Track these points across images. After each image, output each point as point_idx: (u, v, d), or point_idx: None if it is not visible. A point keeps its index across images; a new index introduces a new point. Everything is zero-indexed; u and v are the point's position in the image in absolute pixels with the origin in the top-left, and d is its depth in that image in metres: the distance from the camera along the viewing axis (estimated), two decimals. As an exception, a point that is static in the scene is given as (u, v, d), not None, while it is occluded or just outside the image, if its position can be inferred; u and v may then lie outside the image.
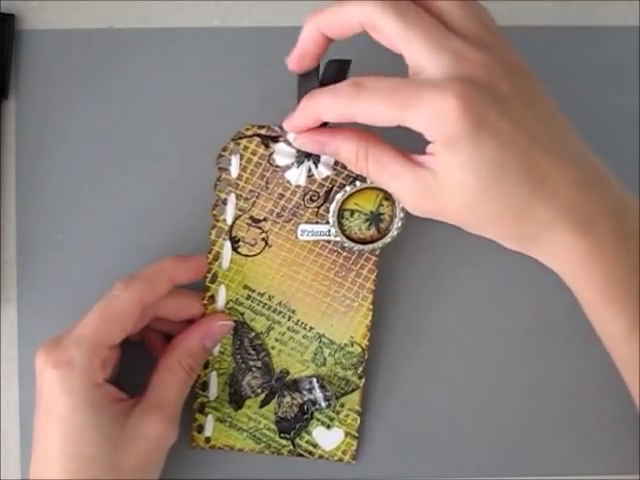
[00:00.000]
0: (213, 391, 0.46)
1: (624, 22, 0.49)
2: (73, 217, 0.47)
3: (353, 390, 0.46)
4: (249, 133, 0.43)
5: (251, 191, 0.44)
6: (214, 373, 0.45)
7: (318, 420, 0.46)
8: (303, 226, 0.44)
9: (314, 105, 0.40)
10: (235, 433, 0.46)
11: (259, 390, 0.45)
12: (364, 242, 0.44)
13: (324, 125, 0.41)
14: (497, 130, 0.37)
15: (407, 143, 0.39)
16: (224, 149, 0.44)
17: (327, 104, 0.39)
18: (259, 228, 0.44)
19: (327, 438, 0.46)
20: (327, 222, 0.44)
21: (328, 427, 0.46)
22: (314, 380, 0.45)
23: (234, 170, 0.44)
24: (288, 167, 0.43)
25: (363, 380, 0.46)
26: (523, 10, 0.48)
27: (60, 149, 0.47)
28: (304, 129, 0.41)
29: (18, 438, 0.47)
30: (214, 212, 0.44)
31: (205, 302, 0.45)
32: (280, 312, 0.45)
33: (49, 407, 0.40)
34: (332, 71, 0.40)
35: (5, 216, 0.47)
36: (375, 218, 0.44)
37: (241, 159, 0.44)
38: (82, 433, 0.40)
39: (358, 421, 0.46)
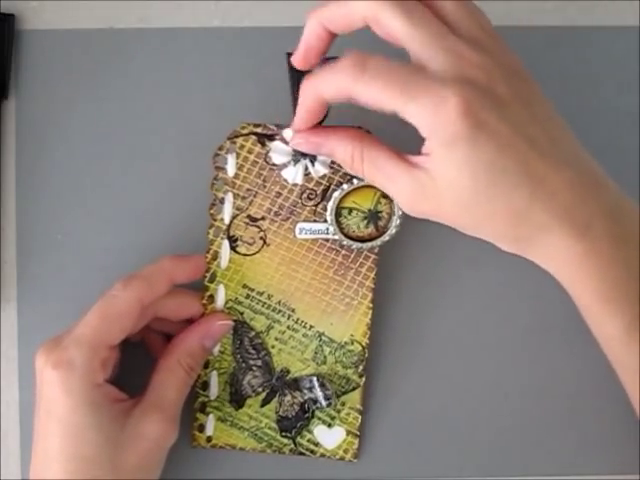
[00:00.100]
0: (214, 390, 0.46)
1: (624, 22, 0.49)
2: (73, 217, 0.47)
3: (354, 388, 0.46)
4: (245, 132, 0.43)
5: (248, 190, 0.44)
6: (214, 373, 0.45)
7: (319, 419, 0.46)
8: (301, 224, 0.44)
9: (314, 83, 0.39)
10: (236, 432, 0.46)
11: (260, 389, 0.45)
12: (363, 240, 0.44)
13: (319, 125, 0.41)
14: (496, 133, 0.37)
15: (403, 143, 0.39)
16: (220, 148, 0.44)
17: (327, 79, 0.39)
18: (257, 227, 0.44)
19: (328, 437, 0.46)
20: (325, 220, 0.44)
21: (329, 426, 0.46)
22: (314, 379, 0.45)
23: (231, 169, 0.44)
24: (285, 165, 0.43)
25: (364, 378, 0.46)
26: (523, 10, 0.48)
27: (60, 149, 0.47)
28: (309, 117, 0.40)
29: (18, 438, 0.47)
30: (211, 211, 0.44)
31: (204, 302, 0.45)
32: (280, 311, 0.45)
33: (49, 407, 0.40)
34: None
35: (5, 216, 0.47)
36: (373, 216, 0.44)
37: (237, 158, 0.44)
38: (82, 433, 0.40)
39: (359, 420, 0.46)
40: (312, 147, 0.41)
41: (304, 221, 0.44)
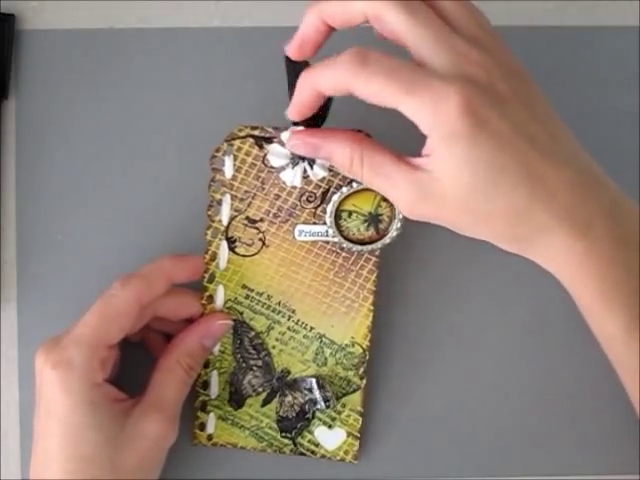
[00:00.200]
0: (214, 390, 0.46)
1: (624, 22, 0.49)
2: (73, 217, 0.47)
3: (354, 390, 0.46)
4: (242, 134, 0.43)
5: (246, 192, 0.44)
6: (215, 372, 0.45)
7: (320, 420, 0.46)
8: (300, 227, 0.44)
9: (312, 76, 0.39)
10: (237, 431, 0.46)
11: (260, 389, 0.45)
12: (363, 243, 0.44)
13: (319, 117, 0.41)
14: (496, 131, 0.37)
15: (403, 145, 0.39)
16: (217, 150, 0.44)
17: (326, 74, 0.38)
18: (256, 228, 0.44)
19: (329, 438, 0.46)
20: (324, 223, 0.44)
21: (330, 427, 0.46)
22: (313, 380, 0.45)
23: (228, 171, 0.44)
24: (283, 168, 0.43)
25: (364, 381, 0.45)
26: (523, 10, 0.48)
27: (60, 149, 0.47)
28: (304, 109, 0.40)
29: (18, 438, 0.47)
30: (209, 213, 0.44)
31: (204, 302, 0.45)
32: (280, 312, 0.45)
33: (49, 407, 0.40)
34: None
35: (5, 216, 0.47)
36: (374, 219, 0.44)
37: (235, 160, 0.44)
38: (82, 433, 0.40)
39: (360, 421, 0.46)
40: (309, 149, 0.41)
41: (303, 223, 0.44)
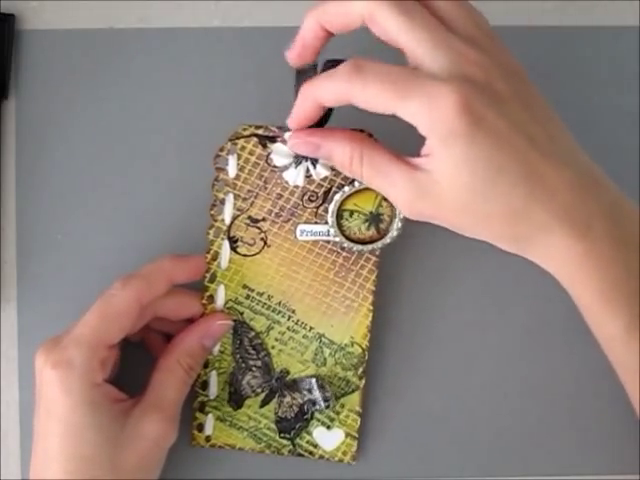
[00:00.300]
0: (213, 390, 0.46)
1: (624, 22, 0.49)
2: (73, 217, 0.47)
3: (353, 391, 0.46)
4: (246, 133, 0.43)
5: (249, 191, 0.44)
6: (214, 372, 0.45)
7: (318, 420, 0.46)
8: (302, 226, 0.44)
9: (312, 89, 0.39)
10: (235, 432, 0.46)
11: (259, 390, 0.45)
12: (363, 242, 0.44)
13: (319, 126, 0.41)
14: (494, 130, 0.37)
15: (403, 147, 0.39)
16: (221, 149, 0.44)
17: (325, 86, 0.39)
18: (258, 228, 0.44)
19: (327, 438, 0.46)
20: (326, 222, 0.44)
21: (328, 427, 0.46)
22: (313, 380, 0.45)
23: (232, 170, 0.44)
24: (286, 167, 0.43)
25: (363, 381, 0.45)
26: (523, 10, 0.48)
27: (60, 149, 0.47)
28: (304, 120, 0.40)
29: (18, 438, 0.47)
30: (212, 212, 0.44)
31: (204, 301, 0.45)
32: (280, 312, 0.45)
33: (49, 407, 0.40)
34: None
35: (5, 216, 0.47)
36: (375, 219, 0.44)
37: (239, 159, 0.44)
38: (82, 433, 0.40)
39: (358, 422, 0.46)
40: (310, 149, 0.41)
41: (305, 223, 0.44)
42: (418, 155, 0.39)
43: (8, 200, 0.47)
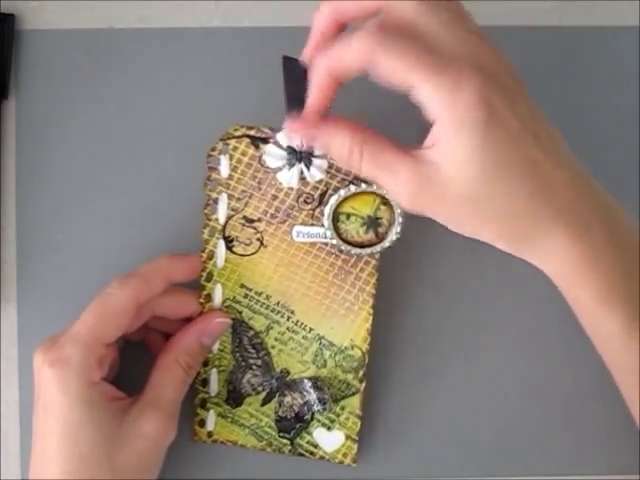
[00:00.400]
0: (214, 387, 0.46)
1: (624, 22, 0.48)
2: (73, 217, 0.47)
3: (354, 394, 0.45)
4: (238, 133, 0.43)
5: (243, 191, 0.44)
6: (214, 370, 0.45)
7: (319, 421, 0.46)
8: (298, 228, 0.44)
9: (329, 60, 0.38)
10: (237, 429, 0.46)
11: (260, 388, 0.45)
12: (362, 246, 0.44)
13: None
14: (506, 124, 0.37)
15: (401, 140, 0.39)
16: (213, 149, 0.44)
17: (346, 52, 0.37)
18: (253, 228, 0.44)
19: (327, 439, 0.46)
20: (322, 225, 0.44)
21: (329, 428, 0.46)
22: (309, 382, 0.45)
23: (224, 170, 0.44)
24: (279, 169, 0.43)
25: (364, 384, 0.45)
26: (523, 10, 0.48)
27: (60, 149, 0.47)
28: (323, 100, 0.39)
29: (18, 438, 0.47)
30: (206, 211, 0.44)
31: (202, 300, 0.45)
32: (279, 312, 0.45)
33: (47, 405, 0.40)
34: None
35: (5, 216, 0.47)
36: (373, 222, 0.43)
37: (231, 159, 0.44)
38: (79, 431, 0.40)
39: (358, 425, 0.46)
40: (308, 136, 0.40)
41: (301, 224, 0.44)
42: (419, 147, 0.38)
43: (8, 200, 0.47)
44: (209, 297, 0.45)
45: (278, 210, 0.44)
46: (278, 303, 0.45)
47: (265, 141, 0.43)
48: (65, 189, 0.47)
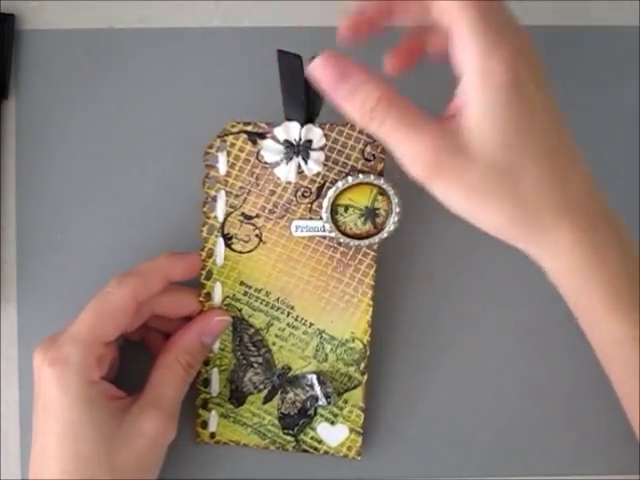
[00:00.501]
0: (215, 387, 0.46)
1: (624, 22, 0.49)
2: (73, 217, 0.47)
3: (356, 386, 0.45)
4: (235, 130, 0.43)
5: (241, 188, 0.44)
6: (215, 370, 0.45)
7: (322, 416, 0.46)
8: (297, 222, 0.44)
9: None
10: (240, 428, 0.46)
11: (261, 386, 0.45)
12: (360, 237, 0.44)
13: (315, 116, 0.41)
14: (531, 99, 0.37)
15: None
16: (210, 146, 0.44)
17: None
18: (252, 224, 0.44)
19: (331, 434, 0.46)
20: (321, 218, 0.44)
21: (332, 423, 0.46)
22: (313, 376, 0.45)
23: (222, 167, 0.44)
24: (277, 163, 0.43)
25: (365, 376, 0.45)
26: (523, 10, 0.48)
27: (60, 149, 0.47)
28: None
29: (18, 438, 0.47)
30: (204, 209, 0.44)
31: (201, 299, 0.45)
32: (279, 308, 0.45)
33: (46, 405, 0.40)
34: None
35: (5, 216, 0.47)
36: (370, 213, 0.43)
37: (228, 156, 0.44)
38: (79, 430, 0.40)
39: (362, 417, 0.46)
40: (334, 76, 0.37)
41: (300, 219, 0.44)
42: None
43: (8, 200, 0.47)
44: (209, 295, 0.45)
45: (276, 205, 0.44)
46: (278, 299, 0.45)
47: (262, 136, 0.43)
48: (65, 189, 0.47)
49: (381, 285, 0.45)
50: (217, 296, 0.45)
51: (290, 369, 0.45)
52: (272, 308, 0.45)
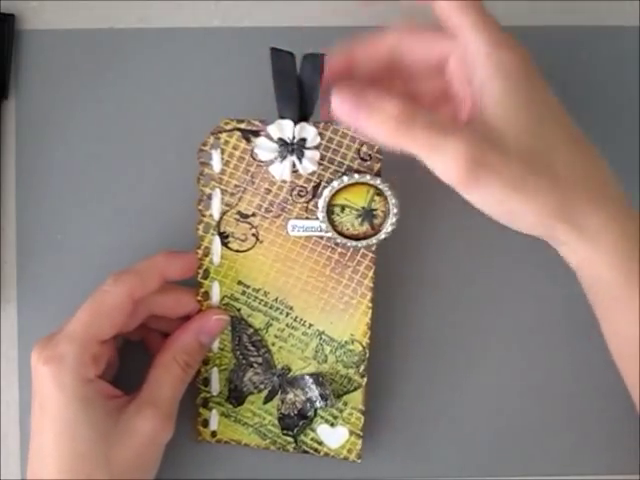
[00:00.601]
0: (215, 387, 0.45)
1: (624, 22, 0.49)
2: (73, 217, 0.47)
3: (356, 389, 0.45)
4: (228, 127, 0.43)
5: (236, 186, 0.44)
6: (215, 369, 0.45)
7: (322, 417, 0.45)
8: (293, 221, 0.44)
9: None
10: (240, 428, 0.46)
11: (262, 386, 0.45)
12: (357, 238, 0.43)
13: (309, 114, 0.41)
14: (543, 89, 0.39)
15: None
16: (204, 143, 0.43)
17: None
18: (248, 223, 0.44)
19: (331, 436, 0.46)
20: (317, 218, 0.43)
21: (332, 425, 0.45)
22: (310, 378, 0.44)
23: (216, 165, 0.43)
24: (271, 161, 0.43)
25: (365, 379, 0.45)
26: (523, 10, 0.48)
27: (60, 149, 0.47)
28: None
29: (18, 438, 0.47)
30: (200, 207, 0.44)
31: (199, 298, 0.44)
32: (277, 308, 0.45)
33: (43, 403, 0.40)
34: (309, 65, 0.40)
35: (5, 216, 0.47)
36: (368, 214, 0.43)
37: (223, 153, 0.43)
38: (75, 429, 0.40)
39: (362, 420, 0.45)
40: (351, 103, 0.38)
41: (296, 218, 0.44)
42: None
43: (8, 200, 0.47)
44: (207, 295, 0.45)
45: (272, 204, 0.44)
46: (276, 299, 0.45)
47: (256, 134, 0.43)
48: (65, 189, 0.47)
49: (380, 287, 0.45)
50: (215, 295, 0.45)
51: (290, 370, 0.45)
52: (271, 308, 0.45)
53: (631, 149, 0.48)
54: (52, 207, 0.47)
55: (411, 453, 0.47)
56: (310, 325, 0.45)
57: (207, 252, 0.44)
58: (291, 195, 0.43)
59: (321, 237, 0.44)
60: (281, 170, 0.43)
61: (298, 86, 0.40)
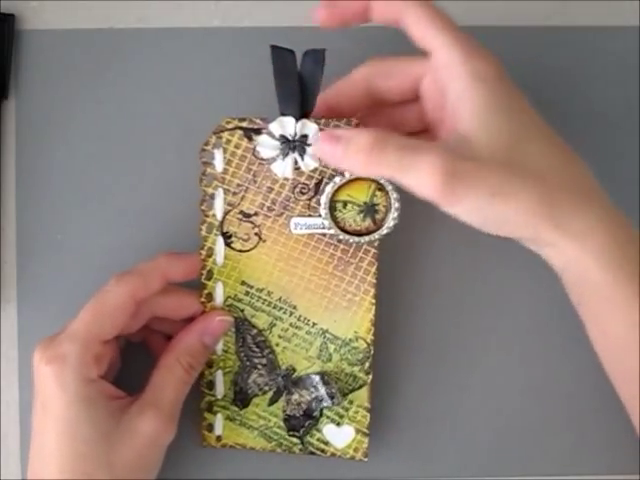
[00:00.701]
0: (220, 390, 0.45)
1: (624, 22, 0.48)
2: (73, 217, 0.47)
3: (361, 386, 0.45)
4: (230, 126, 0.43)
5: (239, 185, 0.44)
6: (220, 372, 0.45)
7: (328, 417, 0.45)
8: (296, 219, 0.44)
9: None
10: (246, 431, 0.46)
11: (266, 388, 0.45)
12: (360, 234, 0.43)
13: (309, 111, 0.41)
14: (517, 90, 0.39)
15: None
16: (206, 143, 0.43)
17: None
18: (251, 222, 0.44)
19: (338, 436, 0.45)
20: (320, 215, 0.43)
21: (338, 424, 0.45)
22: (317, 377, 0.44)
23: (219, 164, 0.43)
24: (273, 159, 0.43)
25: (370, 376, 0.45)
26: (523, 10, 0.48)
27: (60, 149, 0.47)
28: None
29: (18, 438, 0.47)
30: (202, 207, 0.44)
31: (203, 300, 0.44)
32: (281, 308, 0.44)
33: (45, 403, 0.40)
34: (310, 61, 0.40)
35: (5, 216, 0.47)
36: (369, 209, 0.43)
37: (225, 152, 0.43)
38: (77, 429, 0.40)
39: (368, 418, 0.45)
40: (329, 144, 0.39)
41: (299, 216, 0.44)
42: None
43: (8, 200, 0.47)
44: (210, 296, 0.45)
45: (274, 202, 0.44)
46: (280, 299, 0.44)
47: (258, 132, 0.43)
48: (65, 189, 0.47)
49: (383, 283, 0.45)
50: (219, 296, 0.44)
51: (294, 370, 0.45)
52: (274, 308, 0.45)
53: (631, 149, 0.48)
54: (52, 207, 0.47)
55: (411, 453, 0.47)
56: (314, 324, 0.45)
57: (210, 253, 0.44)
58: (293, 192, 0.43)
59: (324, 234, 0.44)
60: (283, 167, 0.43)
61: (299, 83, 0.40)
